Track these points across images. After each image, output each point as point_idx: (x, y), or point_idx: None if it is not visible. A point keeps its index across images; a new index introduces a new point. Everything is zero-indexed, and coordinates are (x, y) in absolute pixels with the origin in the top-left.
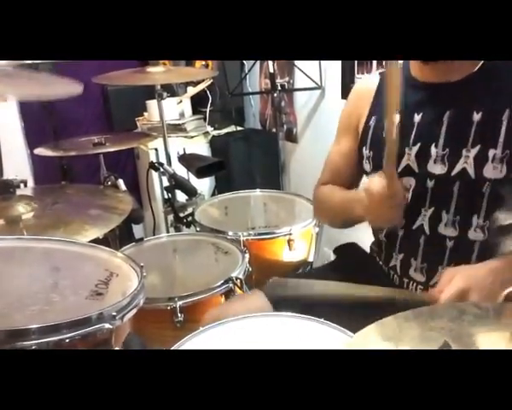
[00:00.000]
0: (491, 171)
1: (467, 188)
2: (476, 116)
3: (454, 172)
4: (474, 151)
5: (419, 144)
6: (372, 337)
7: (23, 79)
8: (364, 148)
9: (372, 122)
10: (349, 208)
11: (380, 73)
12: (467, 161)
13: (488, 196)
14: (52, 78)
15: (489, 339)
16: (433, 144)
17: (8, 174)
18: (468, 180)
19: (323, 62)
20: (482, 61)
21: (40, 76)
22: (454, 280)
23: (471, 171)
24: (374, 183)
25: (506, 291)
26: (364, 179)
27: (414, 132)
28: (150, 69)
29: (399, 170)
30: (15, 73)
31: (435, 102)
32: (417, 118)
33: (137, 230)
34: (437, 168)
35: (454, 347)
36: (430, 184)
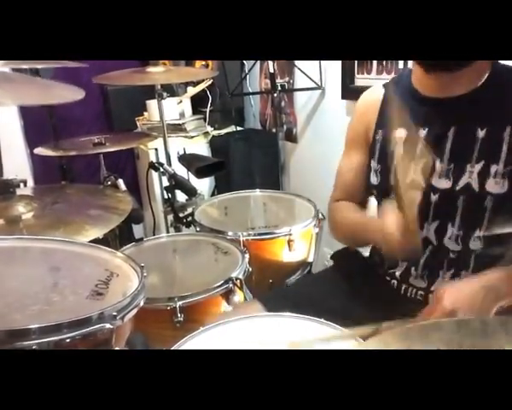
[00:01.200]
0: (494, 186)
1: (470, 202)
2: (480, 133)
3: (458, 187)
4: (478, 167)
5: (425, 159)
6: (372, 345)
7: (23, 84)
8: (372, 161)
9: (379, 136)
10: (363, 234)
11: (383, 85)
12: (471, 177)
13: (490, 210)
14: (53, 83)
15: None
16: (438, 160)
17: (8, 174)
18: (472, 194)
19: (323, 62)
20: (485, 76)
21: (40, 80)
22: (443, 301)
23: (475, 185)
24: (390, 223)
25: (498, 305)
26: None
27: (420, 147)
28: (150, 69)
29: (406, 183)
30: (15, 78)
31: (440, 117)
32: (423, 133)
33: (137, 230)
34: (442, 183)
35: None
36: (434, 198)
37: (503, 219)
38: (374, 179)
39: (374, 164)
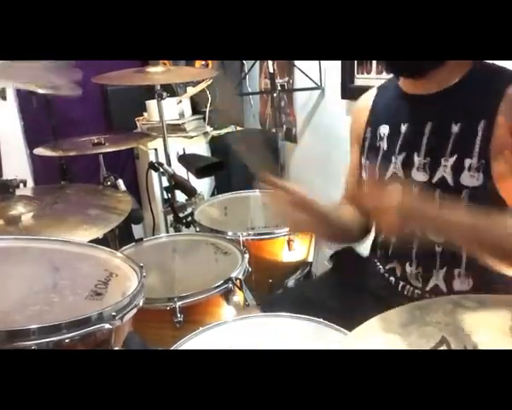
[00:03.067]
0: (468, 179)
1: (447, 195)
2: (455, 127)
3: (434, 180)
4: (451, 160)
5: (404, 153)
6: (371, 332)
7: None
8: (363, 157)
9: (368, 133)
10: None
11: (377, 88)
12: (445, 170)
13: (467, 203)
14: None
15: (485, 333)
16: (416, 153)
17: (8, 174)
18: (447, 187)
19: (323, 62)
20: (462, 73)
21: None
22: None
23: (449, 179)
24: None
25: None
26: None
27: (400, 142)
28: (150, 69)
29: (387, 177)
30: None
31: (418, 113)
32: (403, 128)
33: (137, 230)
34: (419, 176)
35: (452, 341)
36: (415, 190)
37: (479, 211)
38: (364, 175)
39: (363, 160)
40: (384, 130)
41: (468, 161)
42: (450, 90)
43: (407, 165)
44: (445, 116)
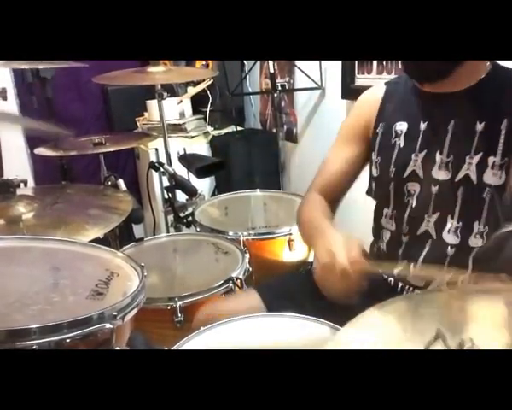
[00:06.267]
0: (491, 177)
1: (470, 193)
2: (479, 126)
3: (457, 178)
4: (476, 158)
5: (425, 151)
6: (363, 328)
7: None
8: (373, 153)
9: (380, 129)
10: (313, 241)
11: (385, 83)
12: (469, 168)
13: (489, 202)
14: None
15: (479, 324)
16: (438, 151)
17: (9, 174)
18: (470, 186)
19: (323, 62)
20: (483, 74)
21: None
22: None
23: (473, 177)
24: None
25: None
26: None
27: (420, 140)
28: (150, 69)
29: (406, 175)
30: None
31: (440, 111)
32: (423, 126)
33: (137, 230)
34: (441, 174)
35: (447, 334)
36: (434, 189)
37: (502, 211)
38: (374, 171)
39: (374, 156)
40: (401, 127)
41: (491, 159)
42: (472, 89)
43: (428, 163)
44: (469, 114)
